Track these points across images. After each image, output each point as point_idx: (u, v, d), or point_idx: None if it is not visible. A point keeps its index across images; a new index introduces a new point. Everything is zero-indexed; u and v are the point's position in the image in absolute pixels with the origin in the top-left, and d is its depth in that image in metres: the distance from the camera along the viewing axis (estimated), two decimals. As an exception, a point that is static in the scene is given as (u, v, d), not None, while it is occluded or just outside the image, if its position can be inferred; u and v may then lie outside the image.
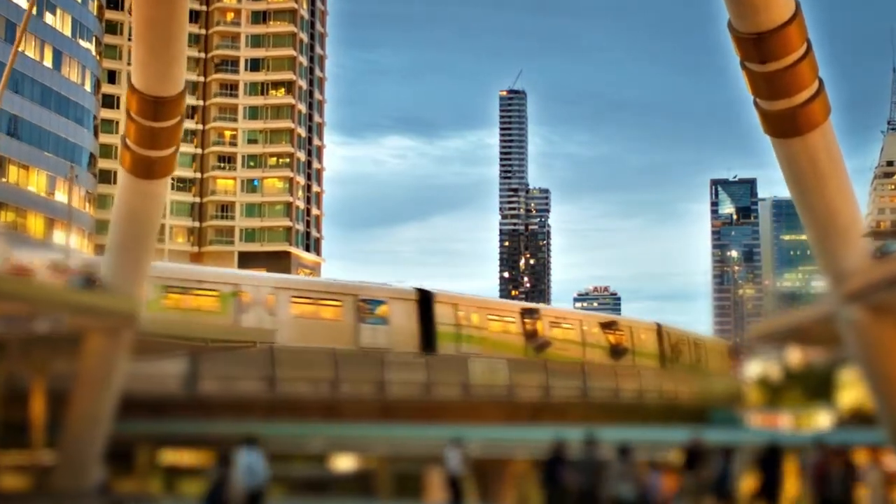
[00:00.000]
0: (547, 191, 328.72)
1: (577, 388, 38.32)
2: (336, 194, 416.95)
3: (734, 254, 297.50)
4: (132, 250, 20.22)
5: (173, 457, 28.72)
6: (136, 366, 27.77)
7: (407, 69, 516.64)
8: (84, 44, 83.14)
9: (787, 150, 16.23)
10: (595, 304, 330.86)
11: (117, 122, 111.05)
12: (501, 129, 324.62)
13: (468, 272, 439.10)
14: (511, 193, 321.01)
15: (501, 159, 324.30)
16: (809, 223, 17.25)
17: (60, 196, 79.09)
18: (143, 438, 26.30)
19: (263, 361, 30.81)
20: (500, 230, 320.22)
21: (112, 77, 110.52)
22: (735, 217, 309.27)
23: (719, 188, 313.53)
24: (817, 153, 16.09)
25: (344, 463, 28.75)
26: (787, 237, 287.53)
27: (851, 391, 38.61)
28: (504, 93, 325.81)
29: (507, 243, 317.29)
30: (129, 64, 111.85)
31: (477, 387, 35.57)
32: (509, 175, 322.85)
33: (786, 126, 15.86)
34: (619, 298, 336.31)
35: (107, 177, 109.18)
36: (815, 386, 43.04)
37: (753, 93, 15.96)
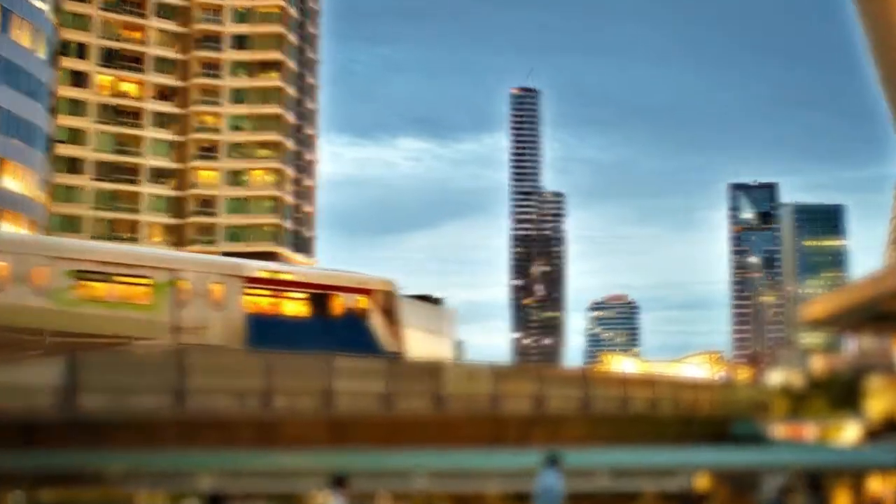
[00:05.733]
0: (561, 195, 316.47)
1: (576, 399, 30.58)
2: (346, 197, 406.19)
3: (754, 260, 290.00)
4: None
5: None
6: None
7: (421, 65, 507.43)
8: (37, 3, 71.58)
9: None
10: (613, 314, 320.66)
11: (87, 104, 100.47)
12: (513, 128, 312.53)
13: (480, 279, 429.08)
14: (523, 197, 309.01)
15: (513, 160, 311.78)
16: None
17: (9, 182, 67.96)
18: (7, 473, 20.30)
19: (169, 367, 23.85)
20: (513, 235, 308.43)
21: (81, 51, 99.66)
22: (755, 222, 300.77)
23: (739, 193, 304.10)
24: None
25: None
26: (808, 243, 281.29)
27: (881, 399, 37.89)
28: (516, 90, 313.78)
29: (518, 249, 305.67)
30: (99, 37, 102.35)
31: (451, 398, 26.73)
32: (521, 177, 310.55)
33: None
34: (636, 307, 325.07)
35: (74, 166, 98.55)
36: (840, 395, 41.58)
37: None
